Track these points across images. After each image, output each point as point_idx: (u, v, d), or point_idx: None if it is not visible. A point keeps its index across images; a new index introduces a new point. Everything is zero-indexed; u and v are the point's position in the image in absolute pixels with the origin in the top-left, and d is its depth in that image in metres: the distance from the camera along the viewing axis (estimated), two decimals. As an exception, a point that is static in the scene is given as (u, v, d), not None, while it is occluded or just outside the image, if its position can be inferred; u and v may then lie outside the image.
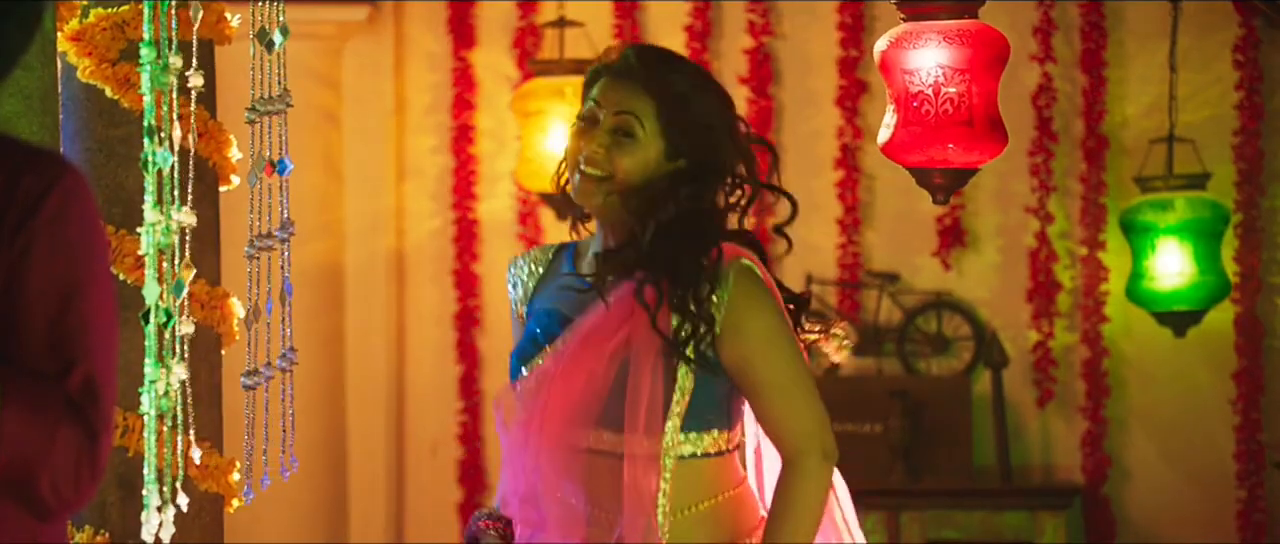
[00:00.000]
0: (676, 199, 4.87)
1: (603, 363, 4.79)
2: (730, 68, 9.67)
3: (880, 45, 6.43)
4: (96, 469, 3.43)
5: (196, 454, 5.63)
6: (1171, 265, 8.90)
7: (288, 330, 5.66)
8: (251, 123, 5.57)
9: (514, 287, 5.18)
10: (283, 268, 5.67)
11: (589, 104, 4.94)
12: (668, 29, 9.67)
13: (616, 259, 4.87)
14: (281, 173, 5.65)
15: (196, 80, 5.12)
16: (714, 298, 4.77)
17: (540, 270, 5.13)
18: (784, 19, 9.69)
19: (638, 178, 4.85)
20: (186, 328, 4.96)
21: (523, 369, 4.95)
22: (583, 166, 4.86)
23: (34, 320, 3.42)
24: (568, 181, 4.97)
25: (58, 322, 3.43)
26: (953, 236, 9.59)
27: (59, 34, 5.30)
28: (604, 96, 4.91)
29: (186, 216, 5.10)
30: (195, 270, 5.08)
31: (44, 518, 3.44)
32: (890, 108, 6.40)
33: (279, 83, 5.56)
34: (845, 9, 9.57)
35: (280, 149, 5.64)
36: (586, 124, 4.91)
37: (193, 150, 5.32)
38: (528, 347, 4.95)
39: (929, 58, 6.30)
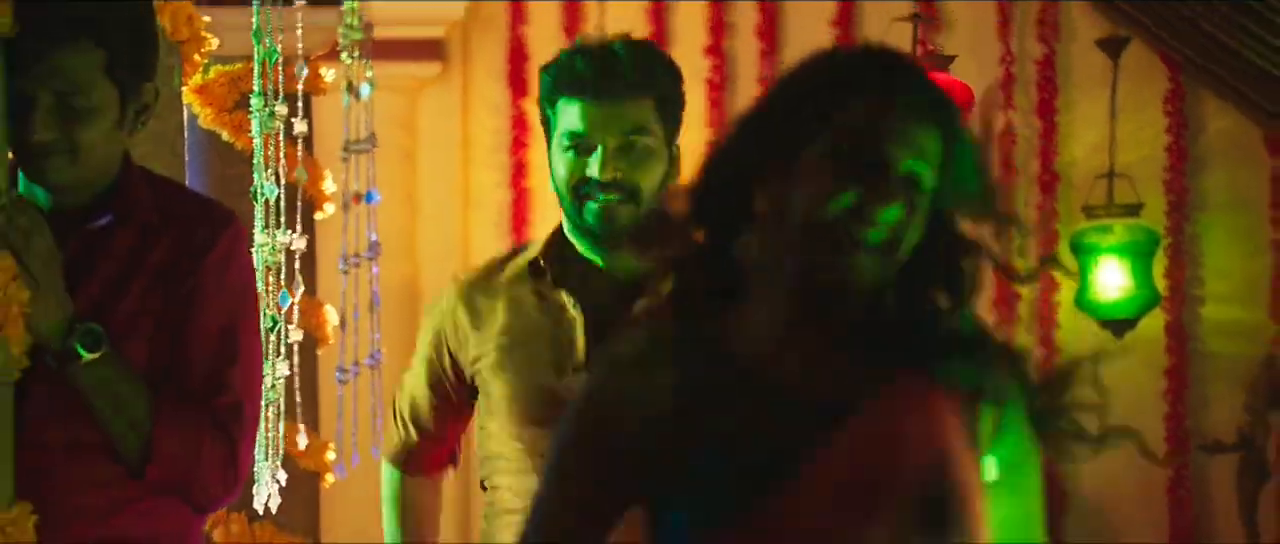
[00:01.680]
0: None
1: None
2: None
3: (866, 96, 6.52)
4: (238, 476, 3.48)
5: (303, 439, 5.70)
6: (1111, 280, 8.96)
7: (376, 335, 5.72)
8: (344, 160, 5.64)
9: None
10: (371, 283, 5.73)
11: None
12: (687, 81, 9.67)
13: None
14: (369, 202, 5.71)
15: (300, 126, 5.18)
16: None
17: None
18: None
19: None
20: (295, 335, 5.02)
21: None
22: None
23: (196, 350, 3.45)
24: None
25: (216, 353, 3.46)
26: (929, 255, 9.61)
27: (184, 88, 5.36)
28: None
29: (294, 240, 5.17)
30: (303, 287, 5.13)
31: (198, 512, 3.51)
32: (874, 148, 6.49)
33: (366, 127, 5.63)
34: (839, 65, 9.60)
35: (367, 182, 5.71)
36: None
37: (293, 184, 5.39)
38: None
39: (907, 106, 6.39)
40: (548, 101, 3.80)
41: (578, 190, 3.77)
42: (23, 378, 3.34)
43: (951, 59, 6.74)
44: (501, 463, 4.03)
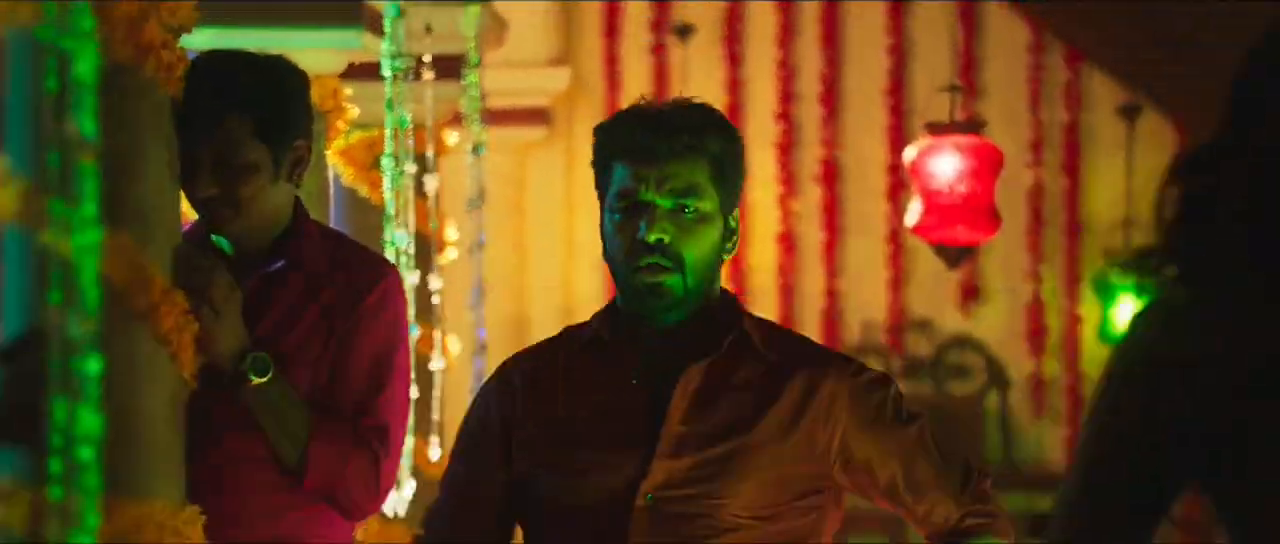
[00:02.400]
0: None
1: None
2: (807, 172, 9.72)
3: (909, 154, 6.54)
4: (381, 487, 3.49)
5: (435, 451, 5.72)
6: (1129, 315, 8.94)
7: (483, 363, 5.76)
8: (468, 212, 5.68)
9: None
10: (477, 324, 5.75)
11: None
12: (759, 143, 9.73)
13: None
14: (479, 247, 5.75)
15: (431, 184, 5.22)
16: None
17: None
18: (847, 135, 9.74)
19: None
20: (437, 363, 5.05)
21: None
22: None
23: (350, 380, 3.49)
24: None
25: (367, 382, 3.49)
26: (971, 293, 9.62)
27: (328, 150, 5.43)
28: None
29: (435, 280, 5.20)
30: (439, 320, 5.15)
31: (347, 519, 3.52)
32: (917, 199, 6.50)
33: (481, 182, 5.67)
34: (891, 127, 9.63)
35: (481, 232, 5.76)
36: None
37: (421, 233, 5.45)
38: None
39: (946, 164, 6.39)
40: (600, 164, 3.11)
41: (628, 258, 3.04)
42: (207, 396, 3.40)
43: (984, 123, 6.74)
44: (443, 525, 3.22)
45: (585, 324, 3.17)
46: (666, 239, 3.00)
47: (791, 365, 3.08)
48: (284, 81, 3.50)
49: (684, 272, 3.01)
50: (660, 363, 3.07)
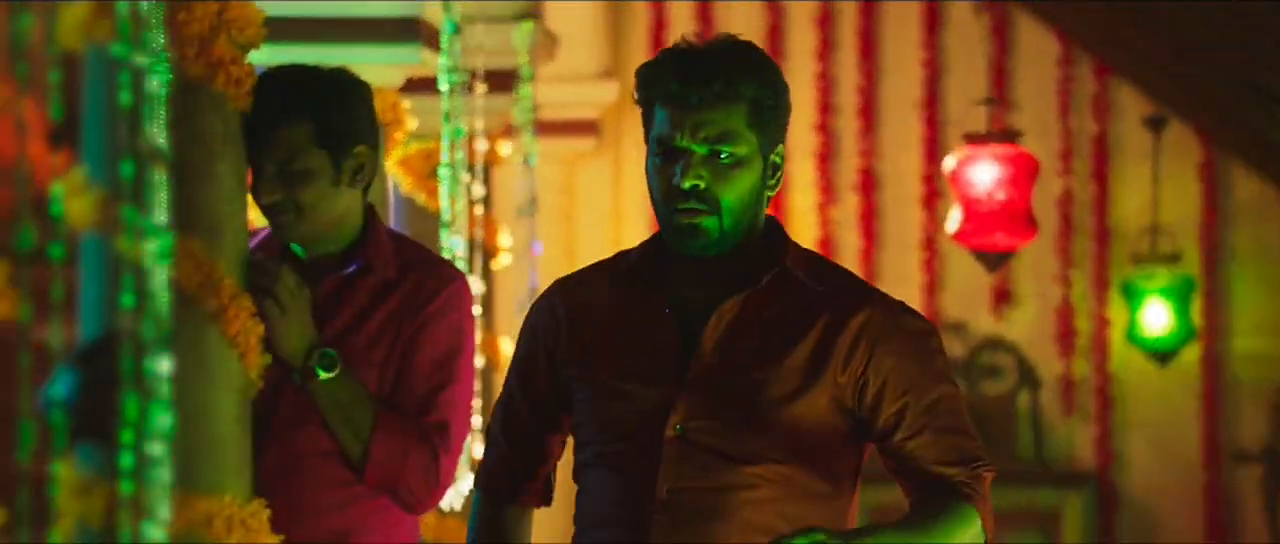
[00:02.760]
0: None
1: None
2: (846, 181, 9.71)
3: (949, 163, 6.54)
4: (440, 481, 3.49)
5: (478, 450, 5.73)
6: (1156, 318, 8.91)
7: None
8: (520, 219, 5.69)
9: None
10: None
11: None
12: (799, 153, 9.72)
13: None
14: (533, 253, 5.76)
15: (481, 191, 5.23)
16: None
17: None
18: (884, 146, 9.72)
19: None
20: (478, 361, 5.06)
21: None
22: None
23: (416, 380, 3.50)
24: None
25: (430, 382, 3.50)
26: (1003, 297, 9.59)
27: (387, 160, 5.46)
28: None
29: (475, 284, 5.22)
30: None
31: (407, 511, 3.53)
32: (957, 207, 6.50)
33: (533, 191, 5.68)
34: (927, 138, 9.61)
35: (533, 238, 5.77)
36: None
37: (474, 239, 5.46)
38: None
39: (984, 173, 6.40)
40: (643, 105, 3.03)
41: (666, 200, 2.97)
42: (275, 393, 3.42)
43: (1020, 134, 6.74)
44: (589, 470, 3.15)
45: (632, 251, 3.12)
46: (702, 185, 2.92)
47: (829, 299, 2.99)
48: (344, 91, 3.51)
49: (720, 214, 2.93)
50: (700, 296, 3.00)
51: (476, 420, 4.95)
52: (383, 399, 3.47)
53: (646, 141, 3.03)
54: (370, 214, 3.57)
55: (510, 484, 3.27)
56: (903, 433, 2.98)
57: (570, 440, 3.22)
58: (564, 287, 3.19)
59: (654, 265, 3.06)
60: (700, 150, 2.94)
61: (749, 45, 2.99)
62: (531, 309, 3.24)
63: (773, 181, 3.00)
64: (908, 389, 2.97)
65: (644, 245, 3.11)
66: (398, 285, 3.51)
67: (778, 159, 3.00)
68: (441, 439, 3.48)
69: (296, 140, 3.44)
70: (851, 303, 2.98)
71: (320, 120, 3.46)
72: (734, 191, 2.94)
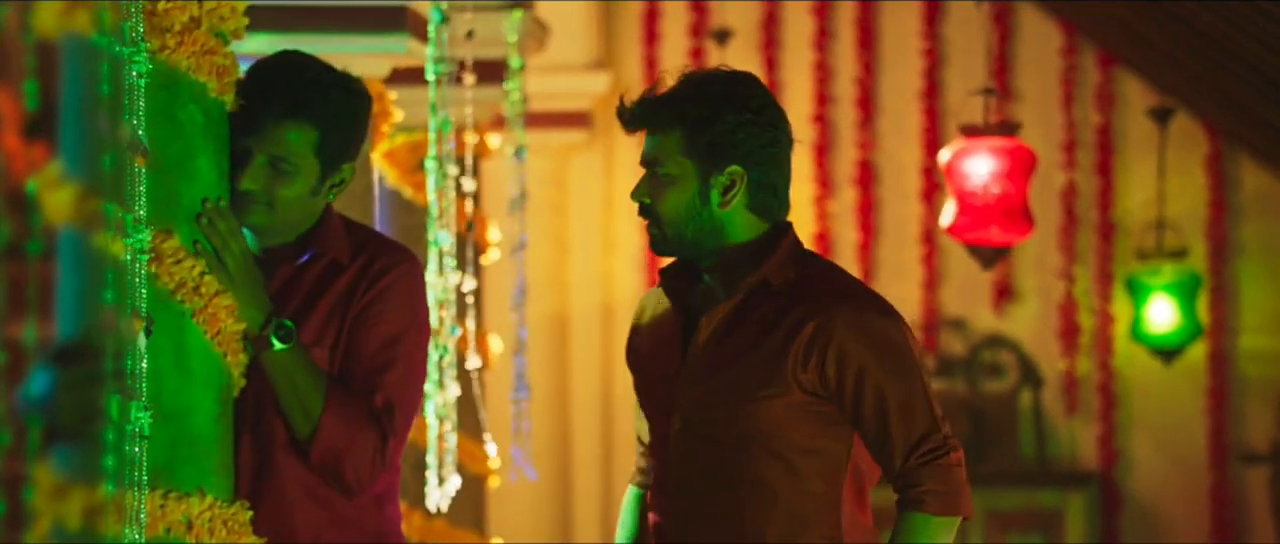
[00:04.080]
0: None
1: None
2: (843, 173, 9.72)
3: (944, 156, 6.53)
4: (384, 464, 3.52)
5: (492, 448, 5.71)
6: (1161, 314, 8.90)
7: (524, 361, 5.75)
8: (510, 213, 5.67)
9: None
10: (519, 324, 5.74)
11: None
12: (795, 145, 9.70)
13: None
14: (520, 248, 5.74)
15: (470, 184, 5.22)
16: None
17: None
18: (882, 137, 9.73)
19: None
20: (474, 362, 5.06)
21: None
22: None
23: (361, 356, 3.52)
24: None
25: (377, 360, 3.53)
26: (1004, 293, 9.59)
27: (373, 152, 5.45)
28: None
29: (465, 280, 5.21)
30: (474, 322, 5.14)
31: (348, 496, 3.53)
32: (952, 201, 6.49)
33: (523, 184, 5.67)
34: (926, 130, 9.61)
35: (523, 231, 5.75)
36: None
37: (463, 234, 5.45)
38: None
39: (980, 166, 6.38)
40: None
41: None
42: (252, 382, 3.44)
43: (1018, 126, 6.73)
44: (640, 446, 3.66)
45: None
46: (647, 201, 3.42)
47: (801, 300, 3.36)
48: (354, 106, 3.53)
49: (662, 226, 3.42)
50: (706, 301, 3.45)
51: (431, 407, 4.93)
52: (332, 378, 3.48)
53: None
54: (325, 207, 3.58)
55: (644, 479, 3.67)
56: (864, 426, 3.35)
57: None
58: (648, 292, 3.64)
59: (672, 274, 3.51)
60: (645, 168, 3.44)
61: (704, 78, 3.44)
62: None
63: (724, 197, 3.40)
64: (862, 384, 3.33)
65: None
66: (347, 267, 3.53)
67: (727, 180, 3.40)
68: (388, 421, 3.50)
69: (296, 141, 3.46)
70: (819, 304, 3.36)
71: (325, 130, 3.48)
72: (667, 206, 3.41)
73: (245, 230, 3.50)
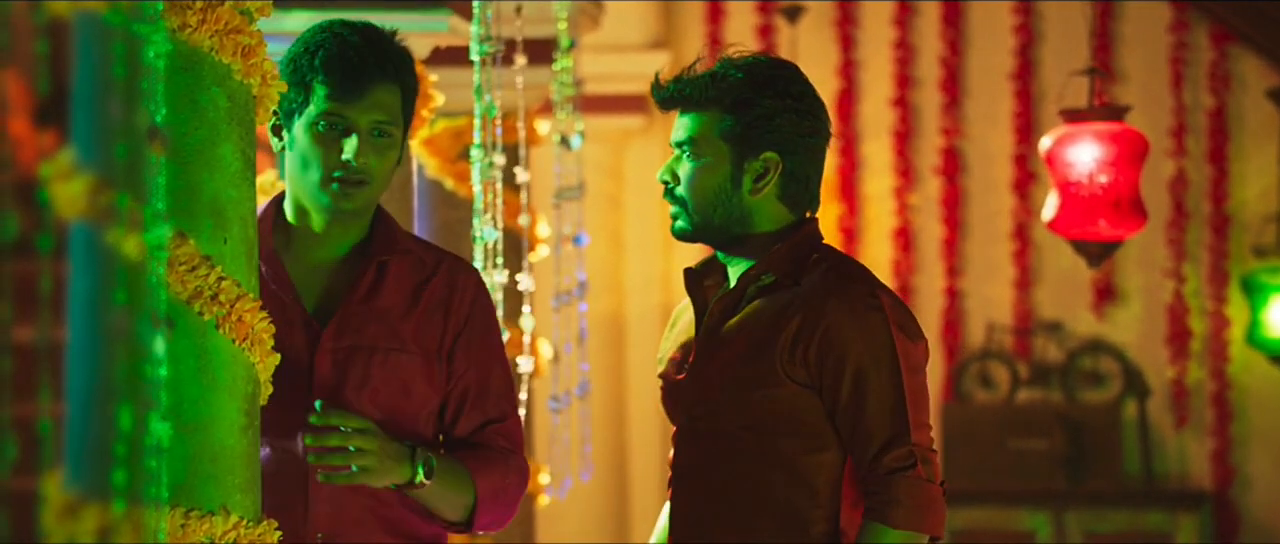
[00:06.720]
0: None
1: None
2: (927, 162, 9.71)
3: (1045, 143, 6.51)
4: (527, 481, 3.76)
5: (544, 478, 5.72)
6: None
7: (585, 366, 5.78)
8: (556, 206, 5.70)
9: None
10: (580, 318, 5.78)
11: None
12: (874, 131, 9.72)
13: None
14: (578, 244, 5.77)
15: (522, 176, 5.24)
16: None
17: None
18: (970, 123, 9.72)
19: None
20: (526, 365, 5.10)
21: None
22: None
23: (494, 388, 3.70)
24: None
25: (505, 388, 3.70)
26: (1106, 293, 9.57)
27: (412, 140, 5.45)
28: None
29: (522, 280, 5.22)
30: (533, 322, 5.16)
31: (500, 527, 3.78)
32: (1054, 192, 6.47)
33: (577, 175, 5.68)
34: (1018, 114, 9.60)
35: (578, 226, 5.77)
36: None
37: (511, 228, 5.46)
38: None
39: (1085, 153, 6.36)
40: None
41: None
42: (282, 392, 3.47)
43: (1127, 109, 6.71)
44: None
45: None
46: (670, 182, 3.69)
47: (795, 295, 3.58)
48: (412, 63, 3.61)
49: (686, 207, 3.67)
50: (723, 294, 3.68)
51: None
52: (446, 394, 3.56)
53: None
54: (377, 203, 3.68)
55: None
56: (839, 414, 3.56)
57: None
58: (683, 303, 3.87)
59: (708, 272, 3.76)
60: (674, 149, 3.72)
61: (736, 63, 3.66)
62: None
63: (756, 184, 3.63)
64: (841, 369, 3.54)
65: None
66: (435, 274, 3.61)
67: (761, 167, 3.63)
68: (519, 454, 3.68)
69: (391, 102, 3.55)
70: (810, 297, 3.57)
71: (406, 88, 3.55)
72: (690, 187, 3.66)
73: (316, 213, 3.54)
